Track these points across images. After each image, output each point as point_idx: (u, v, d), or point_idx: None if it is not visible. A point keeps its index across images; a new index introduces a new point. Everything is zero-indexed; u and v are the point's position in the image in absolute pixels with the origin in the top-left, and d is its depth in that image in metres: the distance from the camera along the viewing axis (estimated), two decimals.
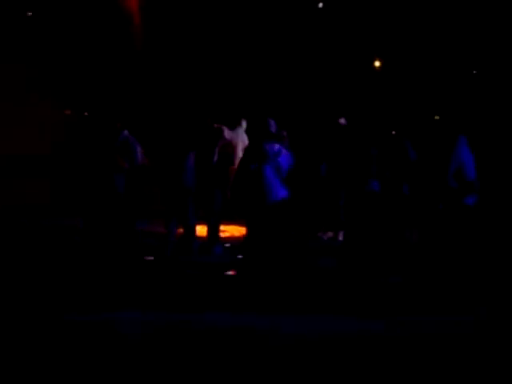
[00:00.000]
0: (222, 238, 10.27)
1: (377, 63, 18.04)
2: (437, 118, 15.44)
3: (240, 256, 8.69)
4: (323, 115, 12.80)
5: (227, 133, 9.47)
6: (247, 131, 10.89)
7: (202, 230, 9.99)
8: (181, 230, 9.45)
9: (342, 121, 11.08)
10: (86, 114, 15.90)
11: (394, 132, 9.73)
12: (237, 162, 9.08)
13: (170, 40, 16.39)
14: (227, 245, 10.22)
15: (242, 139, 10.90)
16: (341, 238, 10.70)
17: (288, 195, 7.83)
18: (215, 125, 9.61)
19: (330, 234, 11.12)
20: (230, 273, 8.57)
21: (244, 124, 11.11)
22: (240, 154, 9.62)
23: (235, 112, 11.98)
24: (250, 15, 16.61)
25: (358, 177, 8.95)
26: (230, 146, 9.44)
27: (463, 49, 16.84)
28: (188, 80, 16.14)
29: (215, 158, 9.26)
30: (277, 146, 7.86)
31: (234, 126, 11.00)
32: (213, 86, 16.10)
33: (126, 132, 8.90)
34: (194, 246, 9.38)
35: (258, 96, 16.16)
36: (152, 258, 9.25)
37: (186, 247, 9.35)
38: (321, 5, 17.37)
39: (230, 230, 11.43)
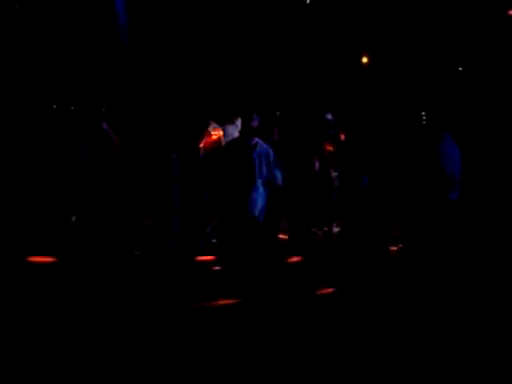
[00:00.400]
0: (208, 232, 10.26)
1: (364, 59, 18.08)
2: (423, 113, 15.50)
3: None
4: (311, 110, 12.81)
5: (214, 128, 9.41)
6: None
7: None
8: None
9: (329, 116, 11.10)
10: (72, 108, 15.83)
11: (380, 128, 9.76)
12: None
13: (158, 35, 16.34)
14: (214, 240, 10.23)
15: (230, 136, 10.83)
16: (335, 230, 10.88)
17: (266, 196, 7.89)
18: (203, 119, 9.56)
19: (325, 228, 11.21)
20: (217, 268, 8.60)
21: (238, 122, 11.02)
22: None
23: (230, 109, 11.94)
24: (239, 12, 16.59)
25: (352, 173, 9.02)
26: (216, 142, 9.38)
27: (449, 45, 16.89)
28: (176, 74, 16.09)
29: (201, 152, 9.23)
30: (255, 140, 7.89)
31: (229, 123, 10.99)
32: (203, 82, 16.06)
33: (105, 125, 8.88)
34: (171, 242, 9.39)
35: (249, 92, 16.13)
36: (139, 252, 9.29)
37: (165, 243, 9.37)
38: (308, 0, 17.36)
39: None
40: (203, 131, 9.25)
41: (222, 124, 10.81)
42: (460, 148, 7.78)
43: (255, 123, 8.03)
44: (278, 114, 10.98)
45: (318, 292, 7.60)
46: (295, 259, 9.08)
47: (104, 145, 8.32)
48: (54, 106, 16.07)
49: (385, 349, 5.84)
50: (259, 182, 7.89)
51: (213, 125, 9.42)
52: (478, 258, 8.49)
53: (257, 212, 7.90)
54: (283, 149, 9.82)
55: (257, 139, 7.97)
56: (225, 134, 10.78)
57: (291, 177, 9.58)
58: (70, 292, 7.49)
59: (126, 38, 15.65)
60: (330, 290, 7.66)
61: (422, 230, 7.61)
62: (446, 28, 16.67)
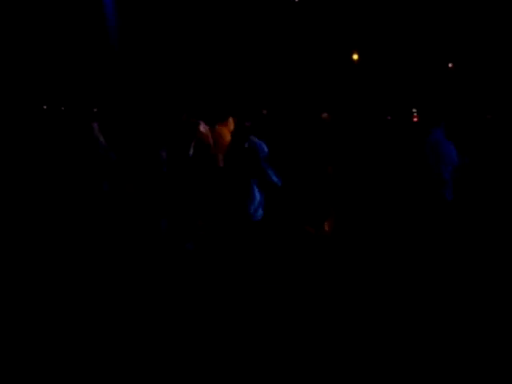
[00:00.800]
0: (197, 232, 10.23)
1: (355, 56, 18.08)
2: (414, 110, 15.49)
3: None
4: (306, 109, 12.84)
5: (203, 127, 9.42)
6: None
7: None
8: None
9: (325, 115, 11.14)
10: (62, 108, 15.79)
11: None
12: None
13: (148, 35, 16.32)
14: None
15: (221, 136, 10.86)
16: (327, 227, 10.88)
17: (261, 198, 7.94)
18: (192, 119, 9.55)
19: (320, 225, 11.22)
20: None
21: (230, 122, 11.02)
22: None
23: (222, 109, 11.94)
24: (229, 12, 16.58)
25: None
26: (206, 140, 9.40)
27: (439, 41, 16.90)
28: (166, 74, 16.07)
29: (191, 152, 9.22)
30: (247, 137, 7.99)
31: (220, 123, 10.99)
32: (195, 82, 16.03)
33: (95, 125, 8.87)
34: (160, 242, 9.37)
35: (243, 92, 16.10)
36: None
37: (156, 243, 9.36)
38: None
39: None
40: (193, 131, 9.24)
41: (214, 124, 10.83)
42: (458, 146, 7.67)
43: (248, 122, 8.10)
44: (264, 112, 11.01)
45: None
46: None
47: (93, 145, 8.33)
48: (45, 107, 16.04)
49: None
50: (251, 178, 7.92)
51: (202, 125, 9.42)
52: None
53: (252, 209, 7.90)
54: (281, 147, 9.89)
55: (251, 137, 8.03)
56: (216, 134, 10.81)
57: (288, 175, 9.62)
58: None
59: (116, 39, 15.62)
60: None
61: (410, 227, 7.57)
62: (436, 24, 16.69)
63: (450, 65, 17.44)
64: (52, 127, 10.89)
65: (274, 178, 8.02)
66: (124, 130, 10.77)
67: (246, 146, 7.91)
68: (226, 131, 10.84)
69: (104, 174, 8.63)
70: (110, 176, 9.04)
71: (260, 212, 8.04)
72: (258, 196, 7.95)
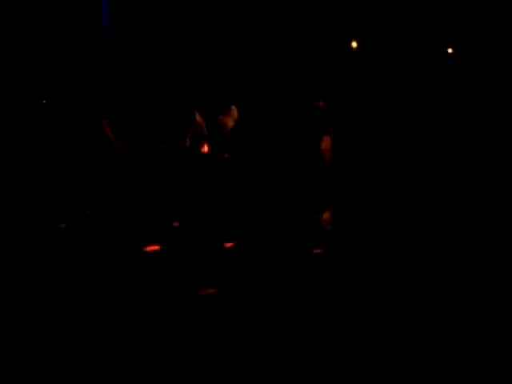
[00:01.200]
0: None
1: (354, 44, 18.02)
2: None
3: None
4: (302, 99, 12.84)
5: (199, 117, 9.48)
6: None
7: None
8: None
9: (321, 104, 11.18)
10: (62, 102, 15.79)
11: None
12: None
13: (144, 28, 16.36)
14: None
15: (225, 126, 10.95)
16: (327, 216, 10.96)
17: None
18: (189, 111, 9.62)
19: (319, 213, 11.28)
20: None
21: (233, 112, 11.07)
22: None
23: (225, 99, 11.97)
24: (229, 4, 16.60)
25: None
26: (202, 131, 9.47)
27: (440, 30, 16.86)
28: (164, 67, 16.09)
29: (187, 142, 9.28)
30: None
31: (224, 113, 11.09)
32: (192, 73, 16.04)
33: (105, 121, 8.90)
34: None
35: (237, 82, 16.08)
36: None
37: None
38: None
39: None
40: (189, 122, 9.28)
41: (217, 115, 10.92)
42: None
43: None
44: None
45: None
46: None
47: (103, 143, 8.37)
48: (44, 101, 16.04)
49: None
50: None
51: (198, 115, 9.47)
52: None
53: None
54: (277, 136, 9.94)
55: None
56: (220, 123, 10.89)
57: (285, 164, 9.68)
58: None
59: (113, 32, 15.66)
60: None
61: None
62: (439, 14, 16.64)
63: (449, 50, 17.38)
64: (55, 123, 10.86)
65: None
66: (125, 126, 10.83)
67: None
68: (230, 120, 10.92)
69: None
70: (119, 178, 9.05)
71: None
72: None
